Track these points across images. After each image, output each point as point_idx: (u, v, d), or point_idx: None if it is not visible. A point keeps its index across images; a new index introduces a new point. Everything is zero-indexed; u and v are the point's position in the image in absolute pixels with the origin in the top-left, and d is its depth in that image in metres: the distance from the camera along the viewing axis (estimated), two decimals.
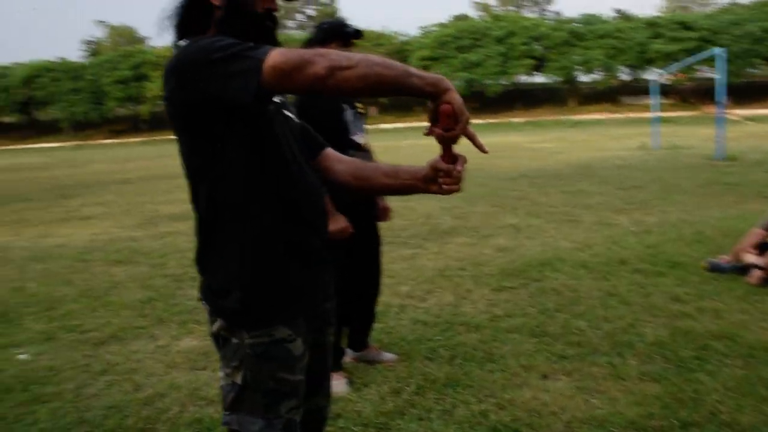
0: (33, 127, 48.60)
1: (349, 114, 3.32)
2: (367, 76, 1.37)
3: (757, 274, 4.54)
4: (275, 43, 1.60)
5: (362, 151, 3.30)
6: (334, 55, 1.38)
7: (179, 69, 1.49)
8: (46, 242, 8.07)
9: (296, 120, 1.79)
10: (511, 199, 9.25)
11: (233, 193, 1.57)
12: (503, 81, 41.89)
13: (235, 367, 1.62)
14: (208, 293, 1.66)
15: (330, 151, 1.86)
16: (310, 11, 74.42)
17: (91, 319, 4.68)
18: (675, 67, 25.29)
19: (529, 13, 57.49)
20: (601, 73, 41.42)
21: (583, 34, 40.45)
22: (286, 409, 1.64)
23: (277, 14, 1.69)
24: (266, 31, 1.63)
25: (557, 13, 55.29)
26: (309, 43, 3.30)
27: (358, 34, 3.23)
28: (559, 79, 42.23)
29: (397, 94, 1.47)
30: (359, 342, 3.64)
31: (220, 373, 1.67)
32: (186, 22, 1.63)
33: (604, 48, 39.35)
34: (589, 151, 17.00)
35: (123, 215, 10.01)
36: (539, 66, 41.71)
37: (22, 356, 4.01)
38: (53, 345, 4.19)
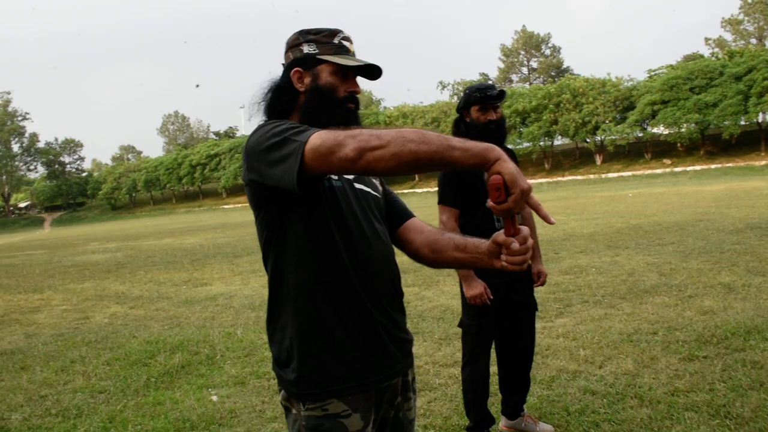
0: None
1: None
2: (399, 155, 1.35)
3: None
4: (358, 125, 1.67)
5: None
6: (365, 135, 1.38)
7: (246, 152, 1.62)
8: (265, 292, 8.91)
9: (375, 192, 1.83)
10: (731, 254, 8.29)
11: (293, 268, 1.66)
12: (743, 121, 37.92)
13: None
14: (274, 362, 1.75)
15: (413, 222, 1.87)
16: (534, 64, 74.55)
17: None
18: None
19: None
20: None
21: None
22: None
23: (359, 96, 1.77)
24: (348, 113, 1.70)
25: None
26: (457, 109, 3.37)
27: (499, 96, 3.21)
28: None
29: (442, 169, 1.45)
30: (513, 410, 3.51)
31: None
32: (274, 106, 1.76)
33: None
34: None
35: None
36: None
37: (213, 397, 4.47)
38: (241, 389, 4.61)
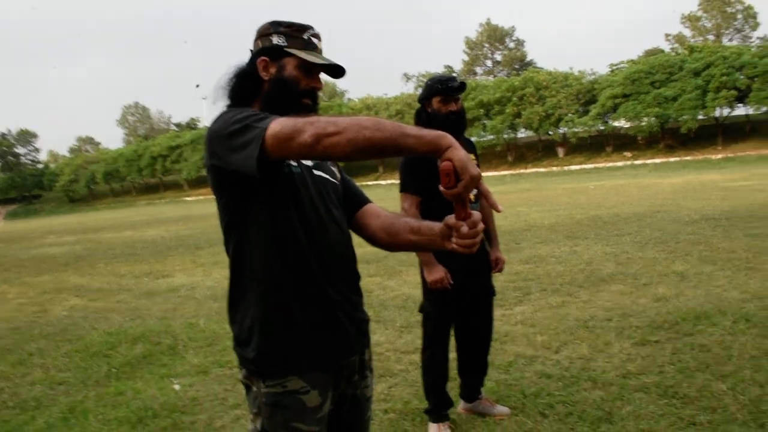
0: None
1: None
2: (355, 141, 1.41)
3: None
4: None
5: (472, 203, 3.31)
6: (322, 122, 1.43)
7: (208, 138, 1.66)
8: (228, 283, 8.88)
9: (333, 179, 1.89)
10: (686, 244, 8.54)
11: (253, 251, 1.71)
12: (701, 115, 38.83)
13: (255, 413, 1.74)
14: (234, 342, 1.80)
15: (370, 207, 1.93)
16: (498, 56, 75.09)
17: None
18: None
19: (730, 42, 53.13)
20: None
21: None
22: None
23: (320, 92, 1.82)
24: (306, 108, 1.76)
25: (763, 39, 50.39)
26: (419, 99, 3.43)
27: (459, 88, 3.27)
28: (766, 109, 38.20)
29: (396, 155, 1.50)
30: (471, 393, 3.60)
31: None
32: (237, 91, 1.80)
33: None
34: None
35: None
36: (742, 97, 38.08)
37: (176, 386, 4.47)
38: (203, 378, 4.62)
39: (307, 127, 1.44)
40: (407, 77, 73.43)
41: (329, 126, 1.42)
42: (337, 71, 1.80)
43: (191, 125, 76.86)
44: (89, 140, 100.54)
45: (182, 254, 12.98)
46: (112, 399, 4.33)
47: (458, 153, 1.41)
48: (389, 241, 1.85)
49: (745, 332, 4.50)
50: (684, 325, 4.81)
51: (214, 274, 9.80)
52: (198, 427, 3.69)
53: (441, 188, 1.46)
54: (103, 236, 21.05)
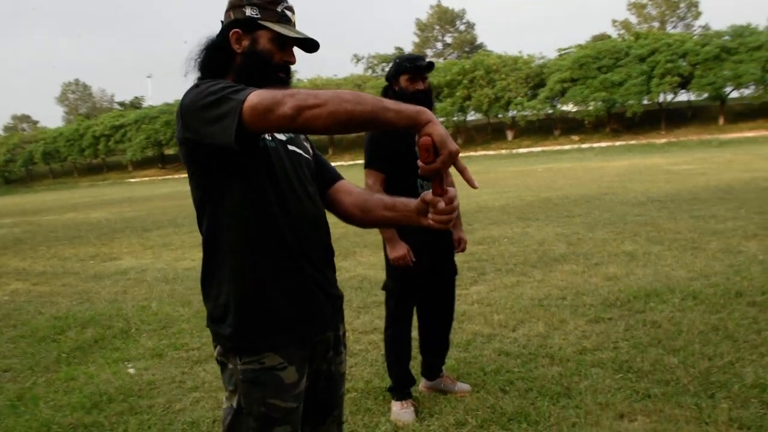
0: None
1: None
2: (336, 113, 1.39)
3: None
4: None
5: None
6: (302, 94, 1.41)
7: (182, 112, 1.61)
8: (180, 265, 8.73)
9: (306, 154, 1.86)
10: (634, 225, 8.78)
11: (229, 226, 1.67)
12: (645, 101, 39.90)
13: (231, 391, 1.71)
14: (209, 319, 1.76)
15: (342, 184, 1.91)
16: (448, 39, 75.29)
17: (198, 338, 5.00)
18: None
19: (674, 29, 54.56)
20: (754, 88, 38.25)
21: (734, 47, 37.65)
22: None
23: (293, 67, 1.78)
24: (279, 81, 1.72)
25: (705, 27, 51.92)
26: (386, 77, 3.40)
27: (428, 67, 3.27)
28: (707, 96, 39.52)
29: (375, 129, 1.49)
30: (432, 371, 3.62)
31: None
32: (209, 64, 1.75)
33: (759, 61, 36.27)
34: (733, 172, 15.74)
35: None
36: (685, 84, 39.29)
37: (131, 370, 4.37)
38: (159, 361, 4.53)
39: (287, 99, 1.41)
40: (357, 58, 73.08)
41: (310, 98, 1.40)
42: (311, 45, 1.76)
43: (135, 104, 74.81)
44: (25, 118, 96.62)
45: (129, 236, 12.66)
46: (63, 384, 4.20)
47: (437, 128, 1.41)
48: (362, 218, 1.84)
49: (693, 309, 4.66)
50: (635, 303, 4.94)
51: (164, 257, 9.61)
52: (156, 411, 3.62)
53: (419, 163, 1.46)
54: (43, 218, 20.35)
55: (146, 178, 53.56)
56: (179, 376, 4.18)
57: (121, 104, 79.42)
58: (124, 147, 58.70)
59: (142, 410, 3.64)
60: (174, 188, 32.17)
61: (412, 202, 1.68)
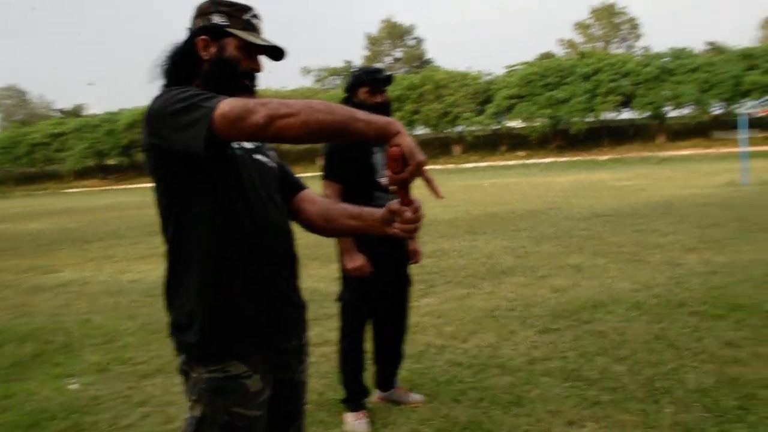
0: (133, 168, 51.50)
1: (378, 156, 3.35)
2: (308, 123, 1.41)
3: None
4: None
5: (389, 194, 3.32)
6: (274, 103, 1.43)
7: (149, 118, 1.60)
8: (124, 277, 8.51)
9: (272, 163, 1.86)
10: (579, 239, 9.00)
11: (195, 233, 1.66)
12: (590, 118, 41.08)
13: (195, 400, 1.68)
14: (172, 328, 1.73)
15: (306, 193, 1.92)
16: (398, 53, 75.90)
17: (144, 352, 4.87)
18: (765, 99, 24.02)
19: (617, 50, 56.42)
20: (692, 108, 39.89)
21: (673, 68, 39.20)
22: None
23: (258, 74, 1.78)
24: (245, 89, 1.72)
25: (646, 49, 53.83)
26: (345, 89, 3.41)
27: (387, 80, 3.30)
28: (648, 114, 40.99)
29: (345, 140, 1.51)
30: (386, 382, 3.62)
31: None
32: (175, 71, 1.74)
33: (696, 82, 37.88)
34: (673, 188, 16.32)
35: None
36: (627, 102, 40.63)
37: (72, 386, 4.22)
38: (104, 376, 4.39)
39: (259, 108, 1.42)
40: (306, 71, 72.73)
41: (282, 108, 1.42)
42: (277, 53, 1.78)
43: (76, 112, 72.74)
44: None
45: (69, 248, 12.26)
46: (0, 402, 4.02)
47: (406, 139, 1.45)
48: (325, 227, 1.86)
49: (637, 318, 4.81)
50: (582, 314, 5.06)
51: (107, 269, 9.35)
52: (101, 427, 3.50)
53: (388, 173, 1.51)
54: None
55: (86, 189, 51.97)
56: (125, 391, 4.06)
57: (61, 111, 77.09)
58: (64, 156, 56.83)
59: (87, 427, 3.52)
60: (115, 199, 31.36)
61: (378, 212, 1.70)
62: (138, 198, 30.94)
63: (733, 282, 5.73)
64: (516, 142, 44.62)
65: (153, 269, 8.99)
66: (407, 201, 1.57)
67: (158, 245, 11.53)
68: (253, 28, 1.74)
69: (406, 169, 1.45)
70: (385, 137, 1.45)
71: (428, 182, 1.50)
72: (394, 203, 1.60)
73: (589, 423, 3.15)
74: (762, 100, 24.62)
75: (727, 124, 39.14)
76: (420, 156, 1.43)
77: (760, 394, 3.30)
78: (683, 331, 4.40)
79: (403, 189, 1.54)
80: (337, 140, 1.55)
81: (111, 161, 55.14)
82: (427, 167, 1.47)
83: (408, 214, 1.56)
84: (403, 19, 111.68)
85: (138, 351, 4.90)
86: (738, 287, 5.51)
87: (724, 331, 4.33)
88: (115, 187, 45.62)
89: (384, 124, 1.45)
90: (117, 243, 12.54)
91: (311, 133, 1.43)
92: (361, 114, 1.45)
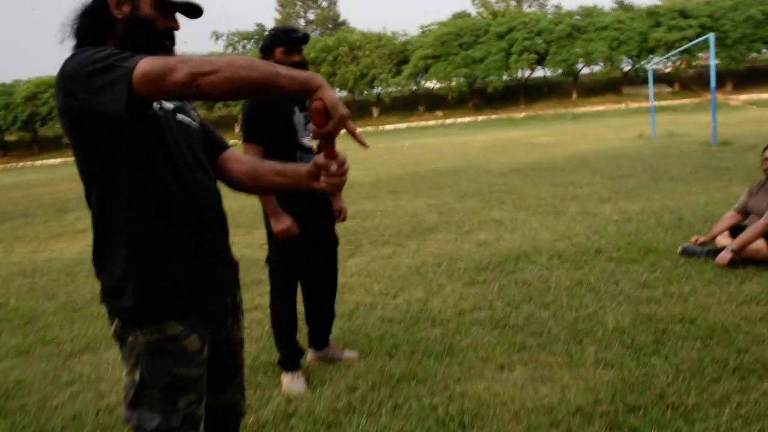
0: (37, 144, 48.65)
1: (298, 116, 3.32)
2: (230, 80, 1.39)
3: (725, 256, 4.51)
4: None
5: (310, 154, 3.30)
6: (196, 61, 1.40)
7: (64, 78, 1.52)
8: (37, 257, 8.14)
9: (195, 123, 1.82)
10: (500, 194, 9.24)
11: (120, 197, 1.61)
12: (505, 77, 41.81)
13: (133, 364, 1.66)
14: (103, 294, 1.69)
15: (230, 153, 1.90)
16: (311, 15, 74.53)
17: (68, 331, 4.71)
18: (671, 55, 25.14)
19: (529, 8, 57.34)
20: (603, 64, 41.28)
21: (584, 26, 40.29)
22: (184, 404, 1.67)
23: (177, 33, 1.72)
24: (164, 48, 1.66)
25: (557, 7, 54.96)
26: (261, 49, 3.34)
27: (303, 39, 3.25)
28: (561, 72, 42.11)
29: (269, 95, 1.50)
30: (320, 341, 3.66)
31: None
32: (87, 31, 1.66)
33: (606, 40, 39.10)
34: (587, 143, 16.94)
35: None
36: (541, 60, 41.56)
37: None
38: (26, 358, 4.23)
39: (180, 65, 1.38)
40: (217, 35, 70.41)
41: (204, 65, 1.39)
42: (194, 10, 1.71)
43: None
44: None
45: None
46: None
47: (329, 93, 1.46)
48: (252, 185, 1.86)
49: (558, 267, 5.01)
50: (506, 265, 5.23)
51: (18, 250, 8.91)
52: (30, 410, 3.37)
53: (311, 127, 1.52)
54: None
55: None
56: (52, 371, 3.93)
57: None
58: None
59: (13, 411, 3.38)
60: (20, 177, 29.70)
61: (303, 167, 1.71)
62: (46, 175, 29.43)
63: (646, 228, 6.05)
64: (434, 103, 44.96)
65: (68, 246, 8.65)
66: (332, 155, 1.58)
67: (72, 222, 11.17)
68: None
69: (330, 122, 1.46)
70: (307, 91, 1.45)
71: (352, 134, 1.52)
72: (320, 157, 1.61)
73: (519, 366, 3.28)
74: (666, 55, 25.74)
75: (636, 80, 40.80)
76: (343, 109, 1.45)
77: (672, 329, 3.53)
78: (601, 276, 4.63)
79: (327, 143, 1.55)
80: (260, 96, 1.54)
81: (11, 137, 51.81)
82: (350, 119, 1.48)
83: (333, 167, 1.57)
84: None
85: (61, 330, 4.73)
86: (650, 233, 5.82)
87: (638, 274, 4.59)
88: (16, 165, 43.11)
89: (306, 79, 1.45)
90: (27, 222, 11.96)
91: (234, 90, 1.41)
92: (284, 69, 1.45)
